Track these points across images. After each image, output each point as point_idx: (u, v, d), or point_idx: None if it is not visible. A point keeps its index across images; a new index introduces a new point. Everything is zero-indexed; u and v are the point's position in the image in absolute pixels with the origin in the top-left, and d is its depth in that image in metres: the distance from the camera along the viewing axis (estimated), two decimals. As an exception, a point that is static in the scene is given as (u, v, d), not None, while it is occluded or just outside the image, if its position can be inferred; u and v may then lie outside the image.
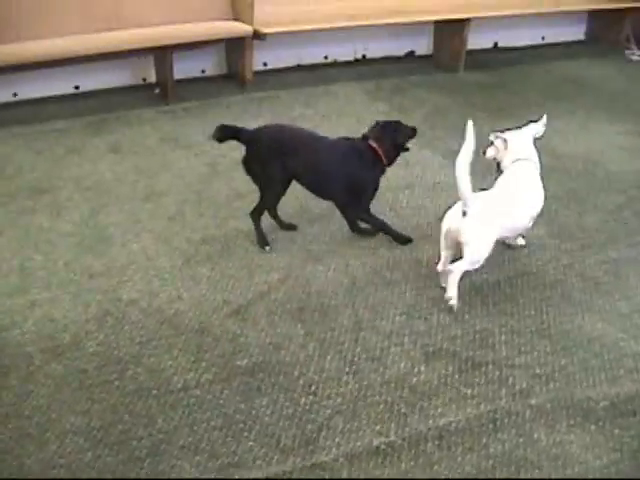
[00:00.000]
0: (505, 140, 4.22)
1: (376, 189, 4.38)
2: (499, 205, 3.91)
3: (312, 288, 3.99)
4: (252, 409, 3.19)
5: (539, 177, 4.20)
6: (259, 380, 3.35)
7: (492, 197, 3.98)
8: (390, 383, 3.36)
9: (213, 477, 2.90)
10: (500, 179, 4.16)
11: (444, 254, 3.91)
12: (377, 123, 4.46)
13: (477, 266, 3.85)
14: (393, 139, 4.39)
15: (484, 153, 4.25)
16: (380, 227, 4.41)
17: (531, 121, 4.35)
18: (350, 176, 4.27)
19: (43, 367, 3.38)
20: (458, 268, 3.78)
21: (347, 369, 3.43)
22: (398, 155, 4.44)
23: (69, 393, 3.25)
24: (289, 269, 4.14)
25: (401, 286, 4.03)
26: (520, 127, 4.33)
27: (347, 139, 4.42)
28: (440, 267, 3.94)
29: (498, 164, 4.28)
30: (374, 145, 4.33)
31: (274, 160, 4.22)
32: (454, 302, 3.79)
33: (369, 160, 4.31)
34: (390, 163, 4.40)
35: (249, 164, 4.32)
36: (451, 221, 3.83)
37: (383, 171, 4.39)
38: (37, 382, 3.30)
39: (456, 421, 3.17)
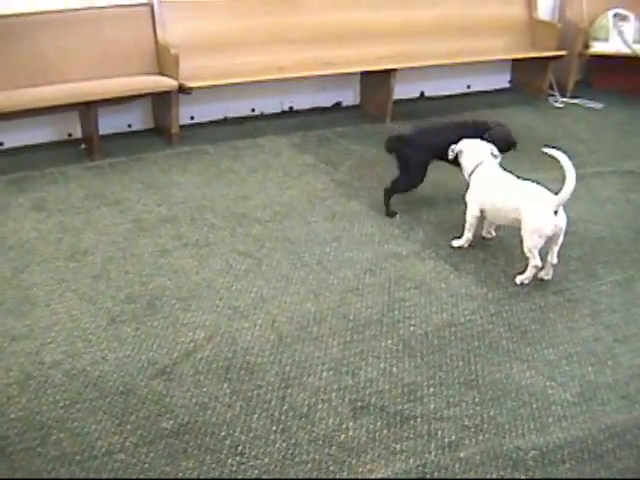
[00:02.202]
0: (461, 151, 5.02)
1: None
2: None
3: (238, 345, 3.94)
4: (178, 472, 3.12)
5: None
6: (185, 442, 3.29)
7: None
8: (318, 441, 3.32)
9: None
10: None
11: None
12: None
13: None
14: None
15: None
16: None
17: None
18: None
19: (-39, 436, 3.29)
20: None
21: (274, 428, 3.38)
22: None
23: (-12, 462, 3.15)
24: (215, 326, 4.09)
25: (328, 341, 4.00)
26: None
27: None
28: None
29: None
30: None
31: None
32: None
33: None
34: None
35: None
36: (554, 223, 4.42)
37: None
38: (-45, 452, 3.20)
39: (385, 477, 3.14)
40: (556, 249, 4.58)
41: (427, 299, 4.37)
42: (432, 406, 3.57)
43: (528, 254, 4.54)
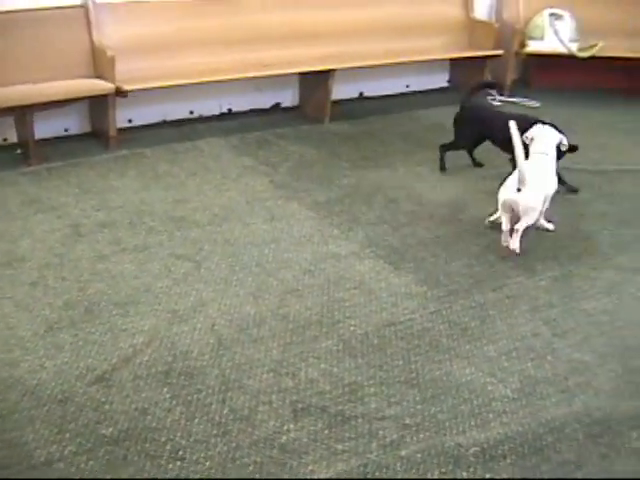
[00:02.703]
0: (532, 138, 5.29)
1: None
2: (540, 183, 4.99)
3: (178, 350, 3.91)
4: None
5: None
6: (125, 448, 3.25)
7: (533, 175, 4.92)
8: (259, 443, 3.31)
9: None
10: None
11: (505, 217, 4.94)
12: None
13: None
14: None
15: None
16: None
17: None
18: None
19: None
20: (521, 226, 4.88)
21: (215, 431, 3.36)
22: None
23: None
24: (154, 331, 4.05)
25: (268, 343, 3.98)
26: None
27: None
28: (504, 227, 4.98)
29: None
30: None
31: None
32: (518, 250, 4.93)
33: None
34: None
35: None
36: (507, 194, 4.88)
37: None
38: None
39: (327, 478, 3.13)
40: (519, 224, 4.92)
41: (367, 299, 4.37)
42: (373, 405, 3.57)
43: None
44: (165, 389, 3.62)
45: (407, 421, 3.48)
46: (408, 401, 3.61)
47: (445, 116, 6.69)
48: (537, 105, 8.34)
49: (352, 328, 4.12)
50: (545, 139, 5.29)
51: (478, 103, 6.50)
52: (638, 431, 3.57)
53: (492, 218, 5.27)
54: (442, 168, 6.32)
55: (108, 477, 3.11)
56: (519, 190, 4.80)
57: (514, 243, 4.96)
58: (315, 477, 3.14)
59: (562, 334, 4.25)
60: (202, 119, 7.28)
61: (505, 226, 4.99)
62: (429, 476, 3.17)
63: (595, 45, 8.57)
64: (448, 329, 4.19)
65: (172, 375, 3.72)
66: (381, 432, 3.41)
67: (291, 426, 3.42)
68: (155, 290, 4.43)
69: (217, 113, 7.50)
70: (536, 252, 5.07)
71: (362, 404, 3.58)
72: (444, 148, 6.35)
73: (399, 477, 3.15)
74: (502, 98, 8.46)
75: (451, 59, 8.68)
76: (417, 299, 4.45)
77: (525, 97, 8.51)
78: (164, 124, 7.16)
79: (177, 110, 7.27)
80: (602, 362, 4.04)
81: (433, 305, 4.40)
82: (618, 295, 4.69)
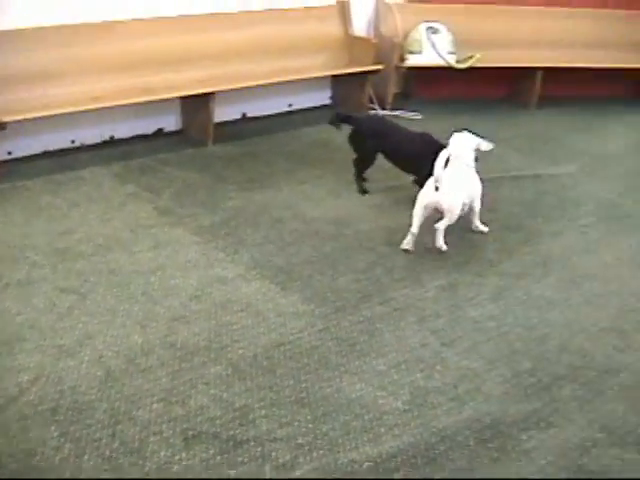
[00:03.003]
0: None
1: None
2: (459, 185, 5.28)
3: (65, 385, 3.83)
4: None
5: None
6: (13, 491, 3.19)
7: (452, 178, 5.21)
8: (150, 475, 3.28)
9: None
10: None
11: (418, 221, 5.22)
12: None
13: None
14: None
15: None
16: None
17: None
18: None
19: None
20: (443, 225, 5.22)
21: (105, 466, 3.32)
22: None
23: None
24: (40, 368, 3.96)
25: (157, 372, 3.94)
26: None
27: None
28: (414, 229, 5.24)
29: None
30: None
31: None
32: (445, 248, 5.29)
33: None
34: None
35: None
36: (429, 197, 5.16)
37: None
38: None
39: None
40: (440, 223, 5.26)
41: (254, 321, 4.37)
42: (265, 428, 3.57)
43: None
44: (53, 427, 3.54)
45: (300, 441, 3.50)
46: (300, 421, 3.63)
47: (328, 133, 6.76)
48: (419, 117, 8.47)
49: (241, 351, 4.12)
50: (462, 144, 5.51)
51: (373, 117, 6.59)
52: (528, 433, 3.67)
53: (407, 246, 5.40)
54: (362, 192, 6.27)
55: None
56: (437, 189, 5.08)
57: (438, 241, 5.28)
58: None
59: (450, 343, 4.33)
60: (84, 148, 7.16)
61: (415, 229, 5.24)
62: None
63: (472, 56, 8.76)
64: (337, 346, 4.22)
65: (60, 412, 3.64)
66: (274, 454, 3.42)
67: (183, 455, 3.40)
68: (40, 326, 4.34)
69: (99, 141, 7.39)
70: (422, 263, 5.15)
71: (254, 427, 3.57)
72: (358, 171, 6.31)
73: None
74: (385, 112, 8.55)
75: (332, 76, 8.73)
76: (305, 318, 4.47)
77: (408, 110, 8.61)
78: (45, 155, 7.03)
79: (58, 140, 7.14)
80: (490, 368, 4.13)
81: (321, 322, 4.42)
82: (504, 300, 4.80)
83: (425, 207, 5.20)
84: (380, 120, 6.73)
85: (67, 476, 3.26)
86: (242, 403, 3.73)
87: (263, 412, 3.67)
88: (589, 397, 3.97)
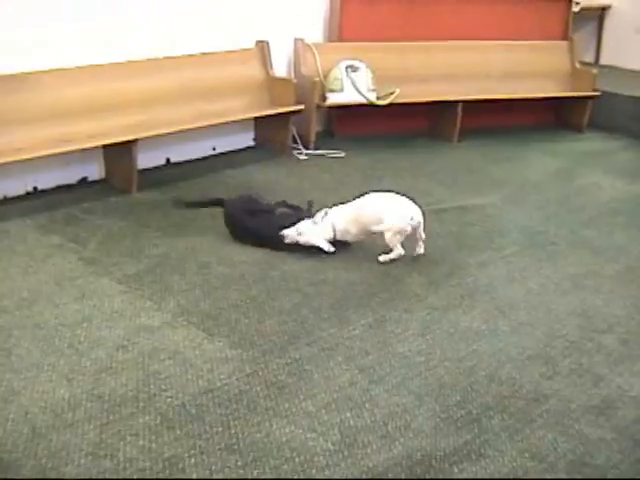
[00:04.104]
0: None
1: None
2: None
3: (-10, 444, 3.79)
4: None
5: None
6: None
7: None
8: None
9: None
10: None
11: (400, 243, 5.78)
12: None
13: None
14: None
15: None
16: None
17: None
18: None
19: None
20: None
21: (33, 526, 3.28)
22: None
23: None
24: (-36, 428, 3.91)
25: (84, 426, 3.89)
26: None
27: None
28: (401, 251, 5.79)
29: None
30: None
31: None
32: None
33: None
34: None
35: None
36: (417, 218, 5.76)
37: None
38: None
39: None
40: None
41: (182, 368, 4.35)
42: (194, 477, 3.55)
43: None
44: (-22, 487, 3.50)
45: (230, 488, 3.49)
46: (230, 467, 3.61)
47: (251, 174, 6.83)
48: (342, 155, 8.55)
49: (169, 400, 4.09)
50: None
51: (244, 196, 6.46)
52: (459, 466, 3.71)
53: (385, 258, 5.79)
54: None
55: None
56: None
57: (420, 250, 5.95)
58: None
59: (379, 380, 4.35)
60: (6, 200, 7.09)
61: (402, 250, 5.79)
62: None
63: (393, 92, 8.90)
64: (265, 389, 4.21)
65: (-17, 473, 3.59)
66: (204, 503, 3.40)
67: (113, 509, 3.37)
68: (-36, 384, 4.28)
69: (22, 192, 7.33)
70: (349, 301, 5.18)
71: (184, 476, 3.55)
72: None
73: None
74: (308, 151, 8.63)
75: (255, 118, 8.78)
76: (232, 363, 4.46)
77: (331, 149, 8.70)
78: (-33, 209, 6.95)
79: (-21, 193, 7.09)
80: (420, 403, 4.16)
81: (249, 367, 4.42)
82: (431, 334, 4.85)
83: (406, 232, 5.75)
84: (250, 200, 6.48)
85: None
86: (171, 453, 3.70)
87: (192, 461, 3.65)
88: (518, 426, 4.01)
